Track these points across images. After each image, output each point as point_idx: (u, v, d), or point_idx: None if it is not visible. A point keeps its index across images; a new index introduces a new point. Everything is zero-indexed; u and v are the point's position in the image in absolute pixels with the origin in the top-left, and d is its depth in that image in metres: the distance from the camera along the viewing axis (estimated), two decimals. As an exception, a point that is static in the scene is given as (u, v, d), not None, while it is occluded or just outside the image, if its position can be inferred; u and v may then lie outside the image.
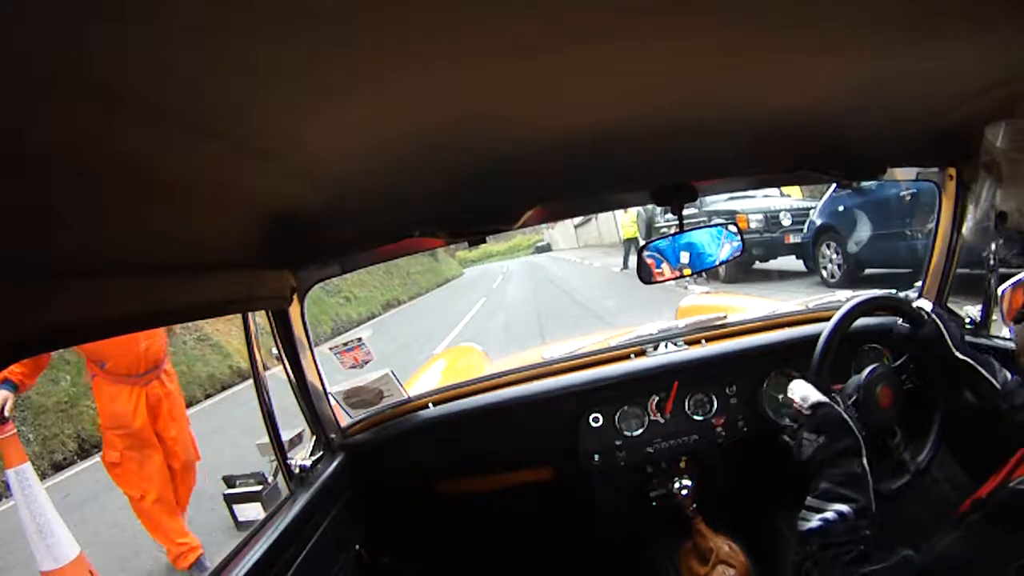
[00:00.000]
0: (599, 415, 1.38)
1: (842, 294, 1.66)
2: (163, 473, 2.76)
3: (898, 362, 1.11)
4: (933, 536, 0.76)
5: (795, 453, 0.94)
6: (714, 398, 1.40)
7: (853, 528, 0.79)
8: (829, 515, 0.80)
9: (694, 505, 1.38)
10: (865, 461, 0.88)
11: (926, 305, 1.10)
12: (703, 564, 1.33)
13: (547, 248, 44.17)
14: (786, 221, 6.91)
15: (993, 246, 1.24)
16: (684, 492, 1.38)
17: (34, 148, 0.41)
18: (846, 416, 0.92)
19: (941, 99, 0.87)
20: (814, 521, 0.81)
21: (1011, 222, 0.87)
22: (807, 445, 0.92)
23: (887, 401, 1.01)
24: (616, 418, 1.39)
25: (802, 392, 0.97)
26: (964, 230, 1.25)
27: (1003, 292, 1.25)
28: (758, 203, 7.30)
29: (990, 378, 0.97)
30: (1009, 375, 0.98)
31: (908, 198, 4.96)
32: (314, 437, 1.31)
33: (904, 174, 1.33)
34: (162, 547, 2.85)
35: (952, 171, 1.23)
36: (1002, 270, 1.26)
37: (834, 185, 4.73)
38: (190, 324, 7.82)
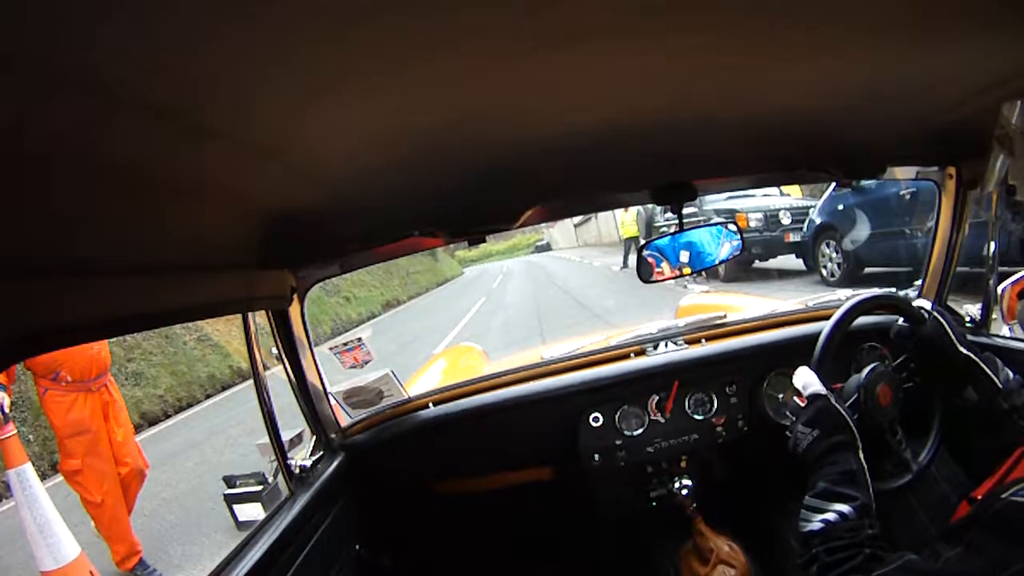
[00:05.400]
0: (599, 415, 1.38)
1: (842, 293, 1.66)
2: (116, 476, 2.89)
3: (898, 360, 1.11)
4: (933, 540, 0.76)
5: (790, 445, 0.94)
6: (714, 397, 1.40)
7: (855, 528, 0.78)
8: (830, 516, 0.79)
9: (694, 505, 1.38)
10: (862, 456, 0.86)
11: (926, 304, 1.10)
12: (703, 564, 1.33)
13: (547, 247, 44.19)
14: (786, 220, 6.90)
15: (993, 245, 1.24)
16: (684, 492, 1.38)
17: (34, 148, 0.41)
18: (842, 411, 0.91)
19: (941, 99, 0.87)
20: (815, 522, 0.80)
21: (1020, 195, 0.90)
22: (801, 438, 0.91)
23: (887, 400, 1.01)
24: (616, 418, 1.38)
25: (804, 380, 0.96)
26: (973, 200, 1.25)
27: (1003, 291, 1.25)
28: (758, 202, 7.30)
29: (992, 376, 0.97)
30: (1011, 374, 0.98)
31: (908, 197, 4.96)
32: (314, 437, 1.30)
33: (904, 173, 1.33)
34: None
35: (952, 170, 1.23)
36: (1002, 268, 1.26)
37: (834, 184, 4.74)
38: (190, 324, 7.82)
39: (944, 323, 1.04)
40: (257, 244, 0.85)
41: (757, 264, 7.44)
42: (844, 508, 0.80)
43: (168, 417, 7.07)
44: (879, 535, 0.78)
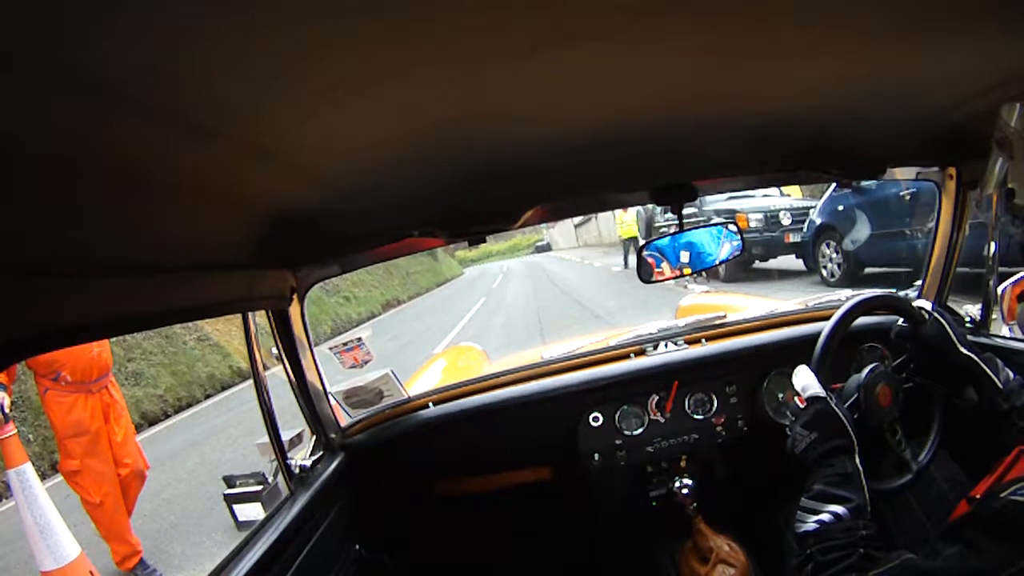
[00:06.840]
0: (599, 415, 1.38)
1: (842, 293, 1.66)
2: (116, 477, 2.89)
3: (898, 361, 1.11)
4: (932, 539, 0.76)
5: (788, 446, 0.94)
6: (714, 397, 1.40)
7: (850, 528, 0.78)
8: (825, 516, 0.80)
9: (694, 504, 1.38)
10: (858, 460, 0.87)
11: (926, 304, 1.10)
12: (703, 563, 1.33)
13: (547, 248, 44.19)
14: (786, 220, 6.91)
15: (994, 246, 1.24)
16: (684, 491, 1.38)
17: (34, 148, 0.41)
18: (840, 414, 0.91)
19: (941, 99, 0.87)
20: (810, 523, 0.81)
21: (1019, 198, 0.89)
22: (799, 440, 0.92)
23: (887, 400, 1.01)
24: (616, 417, 1.39)
25: (803, 382, 0.96)
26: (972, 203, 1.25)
27: (1003, 291, 1.25)
28: (758, 202, 7.30)
29: (992, 376, 0.97)
30: (1012, 374, 0.98)
31: (908, 197, 4.96)
32: (314, 437, 1.31)
33: (904, 174, 1.33)
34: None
35: (952, 171, 1.23)
36: (1002, 269, 1.26)
37: (834, 184, 4.73)
38: (190, 324, 7.83)
39: (944, 323, 1.04)
40: (257, 244, 0.85)
41: (757, 264, 7.45)
42: (839, 509, 0.80)
43: (168, 417, 7.07)
44: (875, 536, 0.78)
